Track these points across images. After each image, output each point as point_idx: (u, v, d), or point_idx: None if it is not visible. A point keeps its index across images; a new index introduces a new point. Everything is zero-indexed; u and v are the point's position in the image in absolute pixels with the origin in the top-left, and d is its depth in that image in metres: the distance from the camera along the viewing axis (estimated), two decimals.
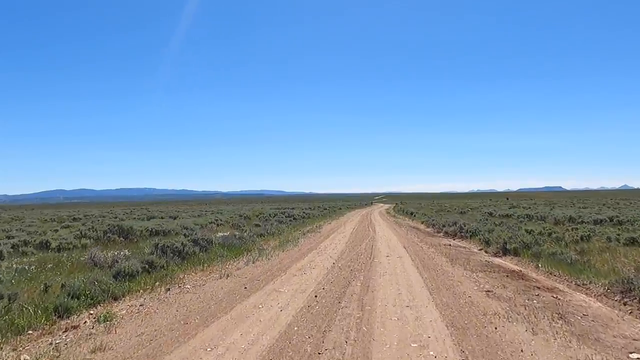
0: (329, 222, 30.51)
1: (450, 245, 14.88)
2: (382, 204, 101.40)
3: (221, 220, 24.38)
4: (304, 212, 37.69)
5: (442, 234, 20.16)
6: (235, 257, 12.04)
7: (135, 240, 13.08)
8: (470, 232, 17.00)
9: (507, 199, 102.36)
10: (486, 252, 12.89)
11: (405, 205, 63.73)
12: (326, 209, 56.47)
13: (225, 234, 17.33)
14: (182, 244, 11.46)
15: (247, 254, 12.77)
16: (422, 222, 28.11)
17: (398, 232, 20.70)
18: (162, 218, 34.82)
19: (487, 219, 23.26)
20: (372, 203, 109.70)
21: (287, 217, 30.53)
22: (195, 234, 13.59)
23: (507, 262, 10.82)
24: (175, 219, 34.05)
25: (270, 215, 32.72)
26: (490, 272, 9.15)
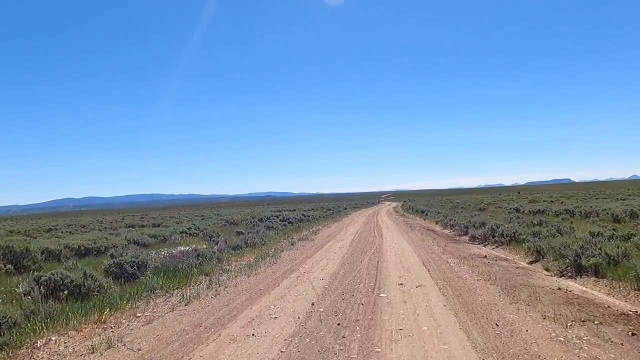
0: (329, 225, 26.42)
1: (485, 257, 10.72)
2: (389, 202, 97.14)
3: (197, 229, 20.37)
4: (303, 215, 33.65)
5: (467, 237, 16.00)
6: (173, 289, 8.04)
7: (35, 267, 9.09)
8: (507, 236, 12.84)
9: (519, 192, 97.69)
10: (547, 270, 8.71)
11: (414, 203, 59.38)
12: (330, 209, 52.42)
13: (186, 248, 13.34)
14: (84, 274, 7.44)
15: (195, 281, 8.74)
16: (437, 222, 23.95)
17: (411, 237, 16.56)
18: (142, 226, 31.05)
19: (518, 217, 19.03)
20: (379, 202, 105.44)
21: (281, 222, 26.49)
22: (125, 254, 9.56)
23: (599, 293, 6.65)
24: (158, 226, 30.23)
25: (262, 219, 28.69)
26: (595, 321, 4.99)
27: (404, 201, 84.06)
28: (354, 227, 22.93)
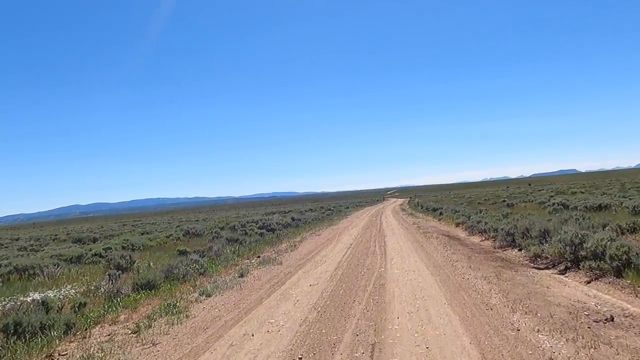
0: (319, 232, 20.64)
1: (612, 319, 4.89)
2: (394, 199, 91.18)
3: (130, 246, 14.61)
4: (292, 219, 27.87)
5: (517, 252, 10.18)
6: None
7: None
8: (615, 258, 6.95)
9: (530, 184, 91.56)
10: None
11: (422, 199, 53.25)
12: (330, 209, 46.71)
13: (41, 295, 7.59)
14: None
15: None
16: (458, 225, 18.13)
17: (430, 253, 10.72)
18: (94, 241, 25.43)
19: (580, 217, 13.09)
20: (384, 198, 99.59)
21: (259, 229, 20.78)
22: None
23: None
24: (112, 238, 24.62)
25: (235, 227, 22.94)
26: None
27: (410, 197, 78.00)
28: (349, 235, 17.14)
